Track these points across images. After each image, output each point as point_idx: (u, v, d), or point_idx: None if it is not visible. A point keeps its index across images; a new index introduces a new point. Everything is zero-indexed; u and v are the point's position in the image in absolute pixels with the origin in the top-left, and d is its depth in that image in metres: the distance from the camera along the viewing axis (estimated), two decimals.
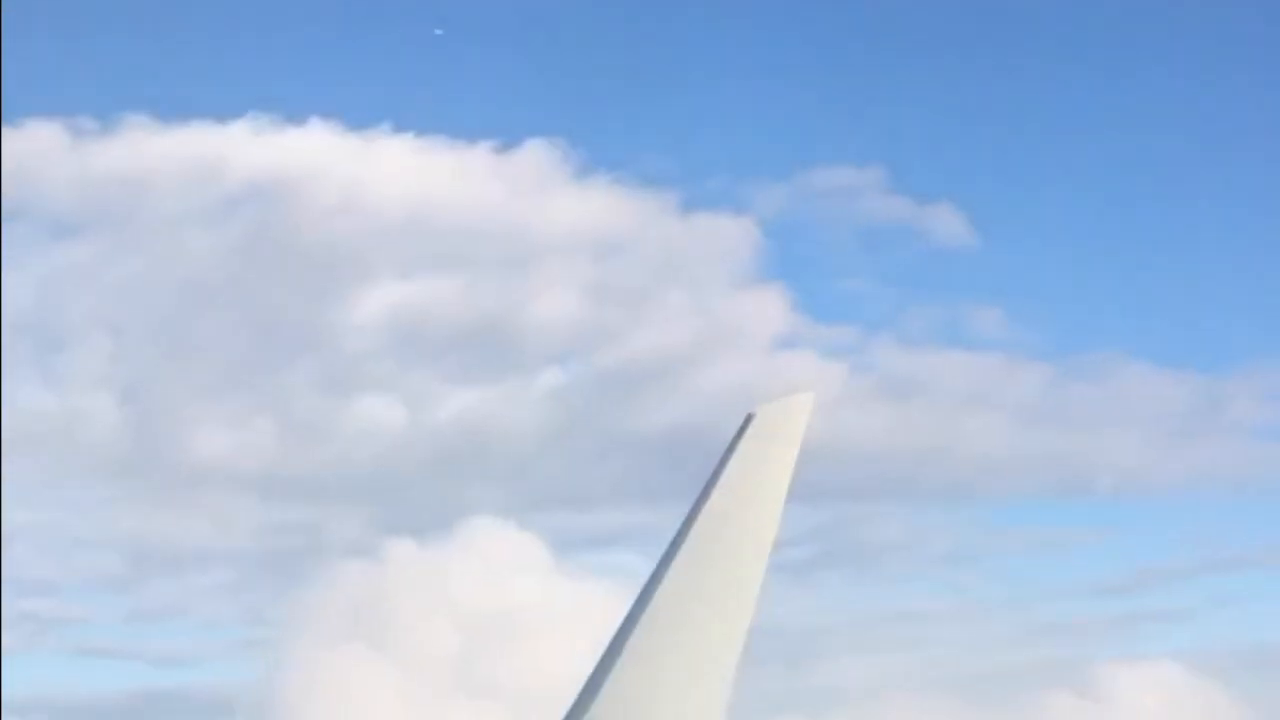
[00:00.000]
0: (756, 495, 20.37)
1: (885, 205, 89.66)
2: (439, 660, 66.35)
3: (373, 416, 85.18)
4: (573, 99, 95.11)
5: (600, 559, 78.91)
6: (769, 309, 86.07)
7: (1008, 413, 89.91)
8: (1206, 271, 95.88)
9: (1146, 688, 73.82)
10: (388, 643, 67.40)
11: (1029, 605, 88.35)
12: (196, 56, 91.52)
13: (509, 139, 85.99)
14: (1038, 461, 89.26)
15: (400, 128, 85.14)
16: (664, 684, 20.04)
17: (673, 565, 20.17)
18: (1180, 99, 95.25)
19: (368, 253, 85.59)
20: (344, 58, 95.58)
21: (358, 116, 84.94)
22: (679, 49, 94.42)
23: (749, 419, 20.62)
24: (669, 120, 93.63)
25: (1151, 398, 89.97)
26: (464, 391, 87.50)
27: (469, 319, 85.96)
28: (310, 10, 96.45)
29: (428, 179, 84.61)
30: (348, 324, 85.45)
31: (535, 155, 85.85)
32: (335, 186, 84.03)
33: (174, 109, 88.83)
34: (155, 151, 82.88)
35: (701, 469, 20.79)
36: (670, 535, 20.52)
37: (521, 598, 66.67)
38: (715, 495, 20.32)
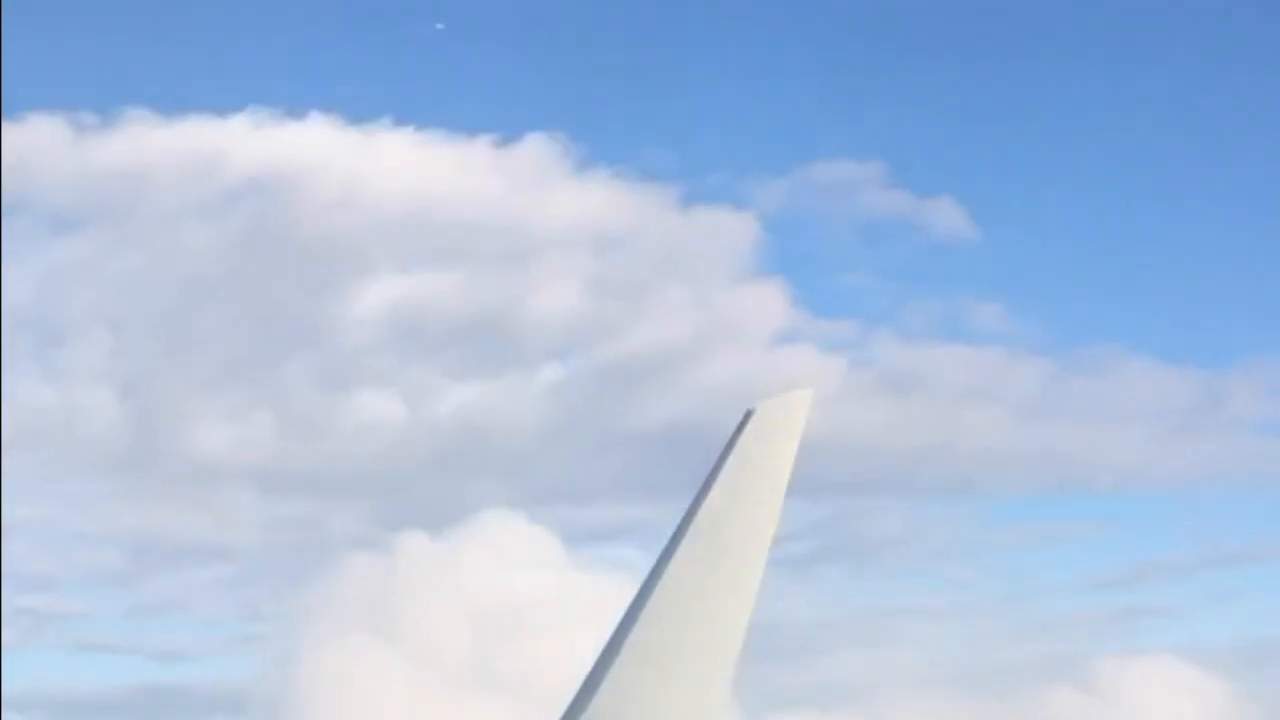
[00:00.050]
0: (756, 491, 20.36)
1: (885, 200, 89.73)
2: (450, 653, 66.34)
3: (372, 411, 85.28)
4: (573, 93, 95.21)
5: (600, 553, 78.95)
6: (769, 304, 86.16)
7: (1008, 408, 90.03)
8: (1207, 267, 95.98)
9: (1146, 683, 73.86)
10: (399, 636, 67.42)
11: (1029, 600, 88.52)
12: (196, 51, 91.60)
13: (509, 133, 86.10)
14: (1037, 457, 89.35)
15: (400, 122, 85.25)
16: (664, 679, 20.04)
17: (672, 561, 20.17)
18: (1181, 94, 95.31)
19: (368, 247, 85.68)
20: (344, 52, 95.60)
21: (358, 110, 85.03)
22: (679, 44, 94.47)
23: (748, 415, 20.60)
24: (669, 115, 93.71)
25: (1152, 393, 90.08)
26: (464, 386, 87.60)
27: (469, 313, 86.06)
28: (310, 5, 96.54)
29: (428, 173, 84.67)
30: (348, 318, 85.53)
31: (535, 149, 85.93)
32: (335, 181, 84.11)
33: (174, 103, 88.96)
34: (155, 146, 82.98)
35: (701, 464, 20.80)
36: (670, 530, 20.53)
37: (533, 591, 66.59)
38: (715, 491, 20.32)
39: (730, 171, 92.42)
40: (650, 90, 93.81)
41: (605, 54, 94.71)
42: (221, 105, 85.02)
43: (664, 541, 20.39)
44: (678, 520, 20.49)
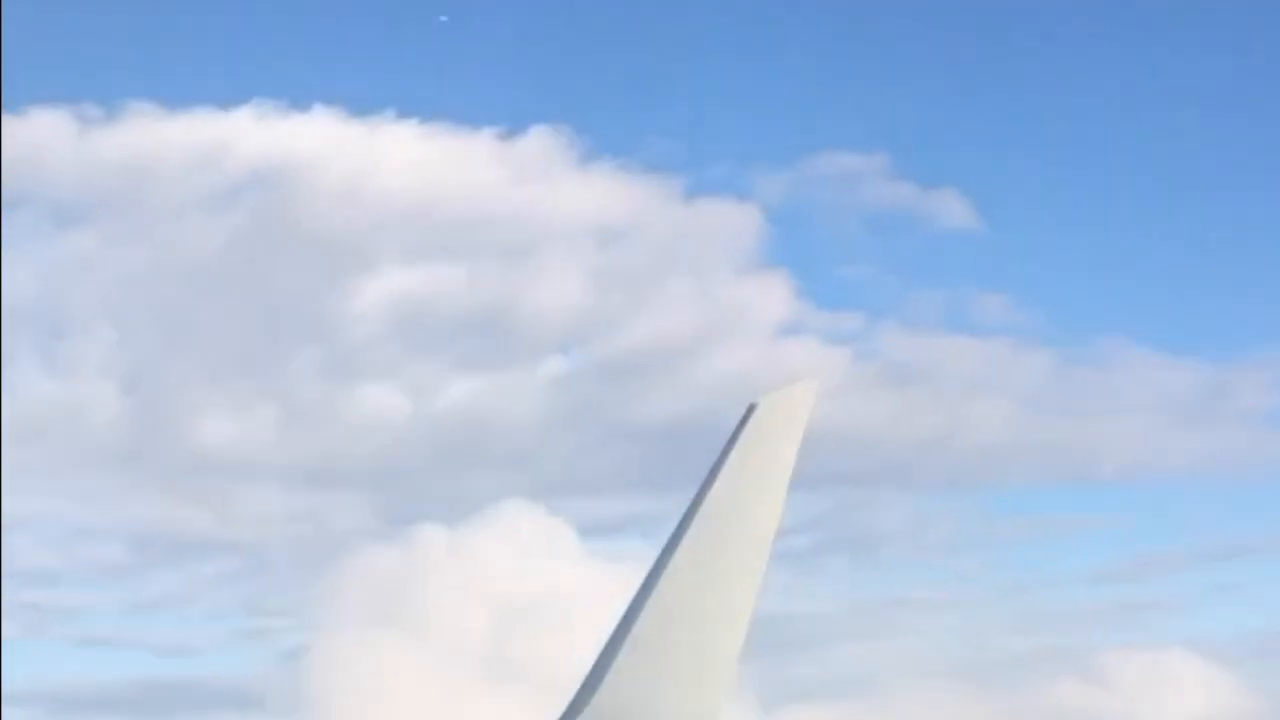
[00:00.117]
0: (759, 484, 20.32)
1: (889, 191, 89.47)
2: (467, 645, 66.34)
3: (376, 404, 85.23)
4: (577, 85, 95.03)
5: (606, 546, 78.88)
6: (773, 295, 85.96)
7: (1012, 399, 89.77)
8: (1213, 258, 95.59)
9: (1151, 675, 73.83)
10: (414, 628, 67.42)
11: (1034, 592, 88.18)
12: (200, 43, 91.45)
13: (513, 125, 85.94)
14: (1043, 448, 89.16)
15: (404, 114, 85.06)
16: (667, 672, 20.00)
17: (676, 554, 20.13)
18: (1188, 84, 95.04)
19: (371, 240, 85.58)
20: (348, 44, 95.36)
21: (361, 103, 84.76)
22: (683, 36, 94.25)
23: (752, 408, 20.56)
24: (673, 107, 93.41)
25: (1157, 384, 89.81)
26: (467, 379, 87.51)
27: (472, 306, 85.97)
28: None
29: (432, 166, 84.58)
30: (351, 311, 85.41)
31: (539, 142, 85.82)
32: (339, 173, 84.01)
33: (178, 96, 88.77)
34: (159, 138, 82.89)
35: (705, 457, 20.75)
36: (674, 523, 20.47)
37: (550, 582, 66.56)
38: (718, 484, 20.28)
39: (734, 163, 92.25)
40: (654, 82, 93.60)
41: (609, 46, 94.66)
42: (225, 98, 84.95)
43: (669, 534, 20.34)
44: (682, 513, 20.44)
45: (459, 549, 70.76)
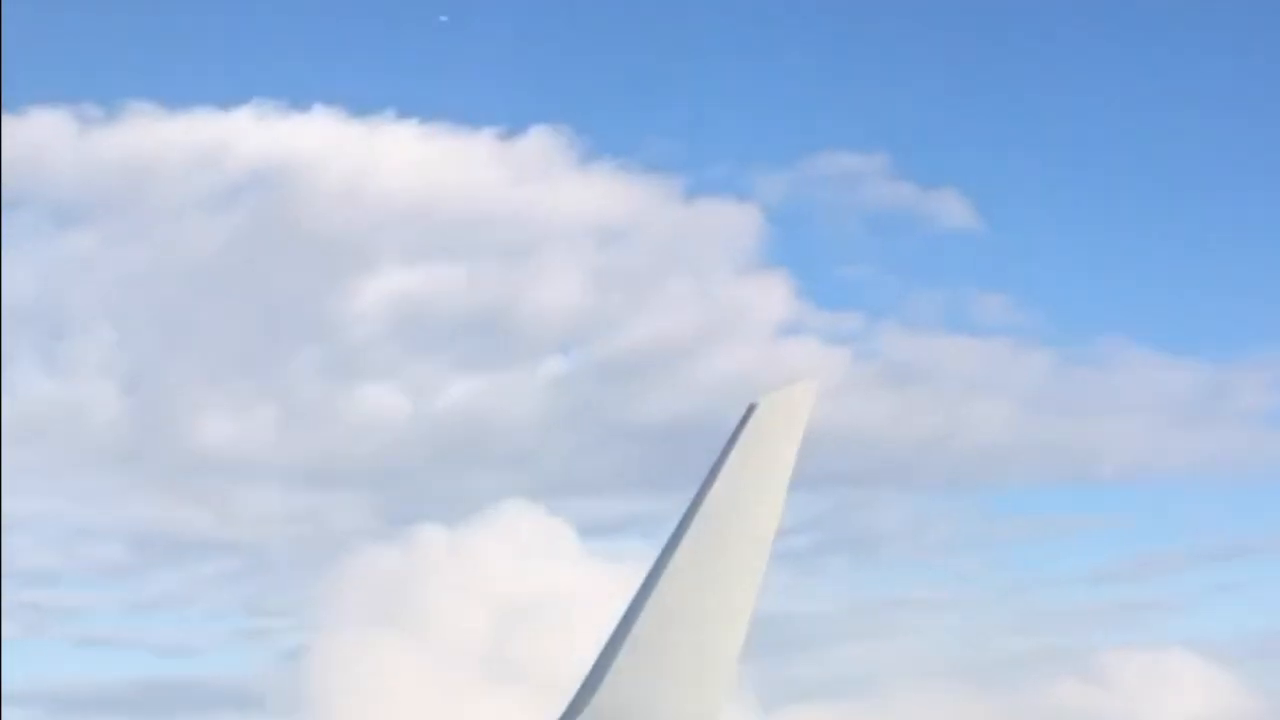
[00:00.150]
0: (759, 484, 20.32)
1: (889, 191, 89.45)
2: (466, 645, 66.33)
3: (376, 404, 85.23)
4: (577, 85, 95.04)
5: (606, 546, 78.87)
6: (772, 295, 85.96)
7: (1012, 399, 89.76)
8: (1214, 258, 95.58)
9: (1152, 675, 73.83)
10: (415, 628, 67.43)
11: (1033, 592, 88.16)
12: (200, 43, 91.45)
13: (513, 125, 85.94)
14: (1042, 448, 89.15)
15: (404, 114, 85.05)
16: (667, 672, 20.00)
17: (676, 554, 20.12)
18: (1188, 84, 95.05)
19: (371, 240, 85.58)
20: (348, 44, 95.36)
21: (362, 103, 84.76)
22: (683, 35, 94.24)
23: (752, 408, 20.55)
24: (673, 107, 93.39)
25: (1158, 384, 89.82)
26: (467, 379, 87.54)
27: (472, 306, 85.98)
28: None
29: (432, 166, 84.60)
30: (351, 311, 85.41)
31: (539, 142, 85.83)
32: (339, 173, 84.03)
33: (178, 96, 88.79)
34: (159, 138, 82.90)
35: (705, 457, 20.74)
36: (674, 523, 20.46)
37: (550, 582, 66.55)
38: (718, 484, 20.27)
39: (734, 163, 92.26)
40: (654, 82, 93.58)
41: (609, 46, 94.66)
42: (225, 98, 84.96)
43: (669, 535, 20.33)
44: (682, 513, 20.43)
45: (459, 549, 70.77)
